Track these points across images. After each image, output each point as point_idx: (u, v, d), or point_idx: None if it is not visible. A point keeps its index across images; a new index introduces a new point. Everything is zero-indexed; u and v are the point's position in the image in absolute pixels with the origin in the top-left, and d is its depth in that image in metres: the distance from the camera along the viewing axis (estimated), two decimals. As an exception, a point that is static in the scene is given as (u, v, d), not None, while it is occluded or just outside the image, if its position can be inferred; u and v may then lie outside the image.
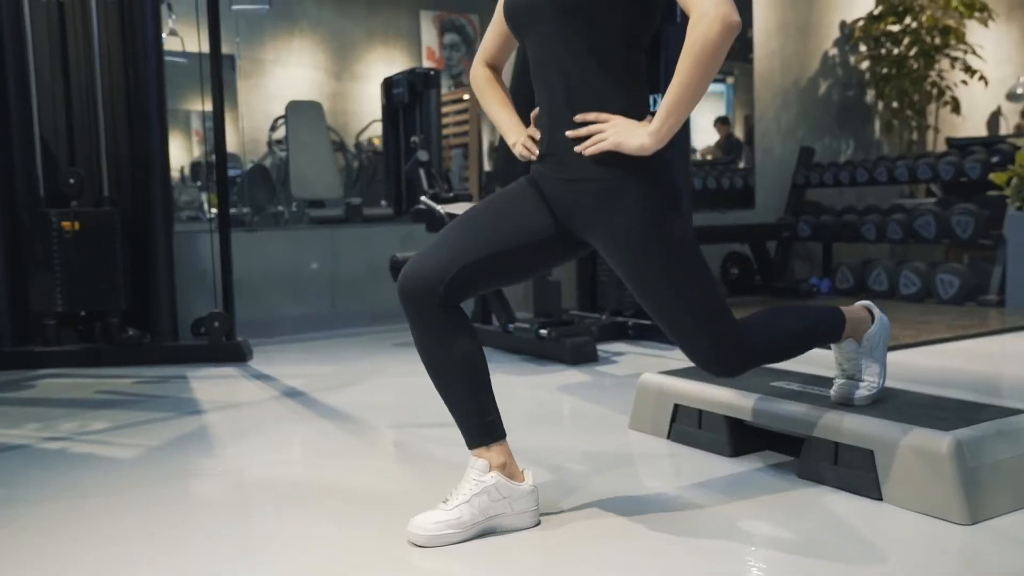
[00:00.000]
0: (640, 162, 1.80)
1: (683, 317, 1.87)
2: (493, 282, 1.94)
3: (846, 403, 2.22)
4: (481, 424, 1.91)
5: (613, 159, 1.80)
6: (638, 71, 1.87)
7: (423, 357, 1.90)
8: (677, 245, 1.85)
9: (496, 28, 2.07)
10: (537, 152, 1.96)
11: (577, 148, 1.83)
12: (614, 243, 1.86)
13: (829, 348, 2.25)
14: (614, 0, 1.78)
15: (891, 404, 2.22)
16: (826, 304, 2.38)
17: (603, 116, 1.81)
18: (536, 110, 1.97)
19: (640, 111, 1.85)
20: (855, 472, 2.10)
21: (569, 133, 1.84)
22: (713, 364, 1.93)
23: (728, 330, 1.91)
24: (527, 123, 2.05)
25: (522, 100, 2.08)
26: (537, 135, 1.96)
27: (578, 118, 1.83)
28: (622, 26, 1.80)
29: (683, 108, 1.72)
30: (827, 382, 2.39)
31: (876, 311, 2.22)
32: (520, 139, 2.00)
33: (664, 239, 1.83)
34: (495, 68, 2.13)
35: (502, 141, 4.54)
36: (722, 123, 7.57)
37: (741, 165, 7.53)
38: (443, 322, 1.85)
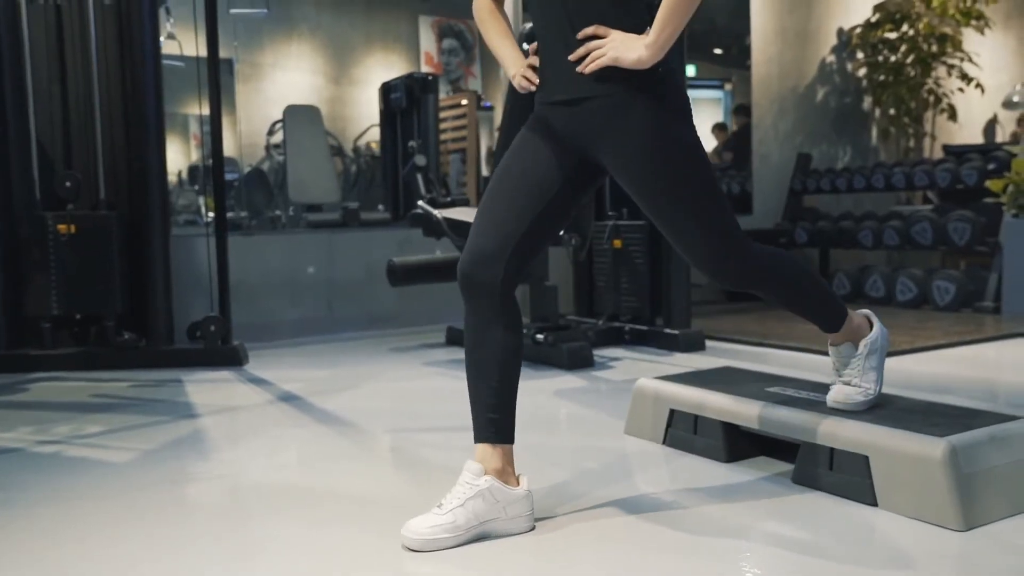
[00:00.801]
0: (642, 74, 1.82)
1: (693, 224, 1.90)
2: (544, 242, 1.98)
3: (842, 408, 2.22)
4: (494, 420, 1.93)
5: (615, 74, 1.83)
6: None
7: (467, 340, 1.95)
8: (687, 153, 1.88)
9: None
10: (537, 81, 1.97)
11: (578, 68, 1.85)
12: (625, 156, 1.88)
13: (827, 353, 2.25)
14: None
15: (886, 410, 2.22)
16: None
17: (601, 30, 1.83)
18: (534, 44, 1.98)
19: (639, 24, 1.86)
20: (850, 478, 2.09)
21: (571, 57, 1.86)
22: (716, 269, 1.95)
23: (735, 237, 1.93)
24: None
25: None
26: (536, 63, 1.97)
27: (580, 35, 1.85)
28: None
29: (679, 17, 1.75)
30: (823, 388, 2.39)
31: (875, 320, 2.23)
32: (519, 70, 2.00)
33: (674, 147, 1.86)
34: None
35: (499, 144, 4.54)
36: (720, 129, 7.59)
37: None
38: (498, 314, 1.91)
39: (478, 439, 1.94)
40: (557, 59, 1.90)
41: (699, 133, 1.94)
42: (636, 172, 1.88)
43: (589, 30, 1.84)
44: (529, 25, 4.13)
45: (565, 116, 1.92)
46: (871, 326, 2.21)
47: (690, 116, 1.90)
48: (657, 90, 1.85)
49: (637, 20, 1.85)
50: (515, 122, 3.84)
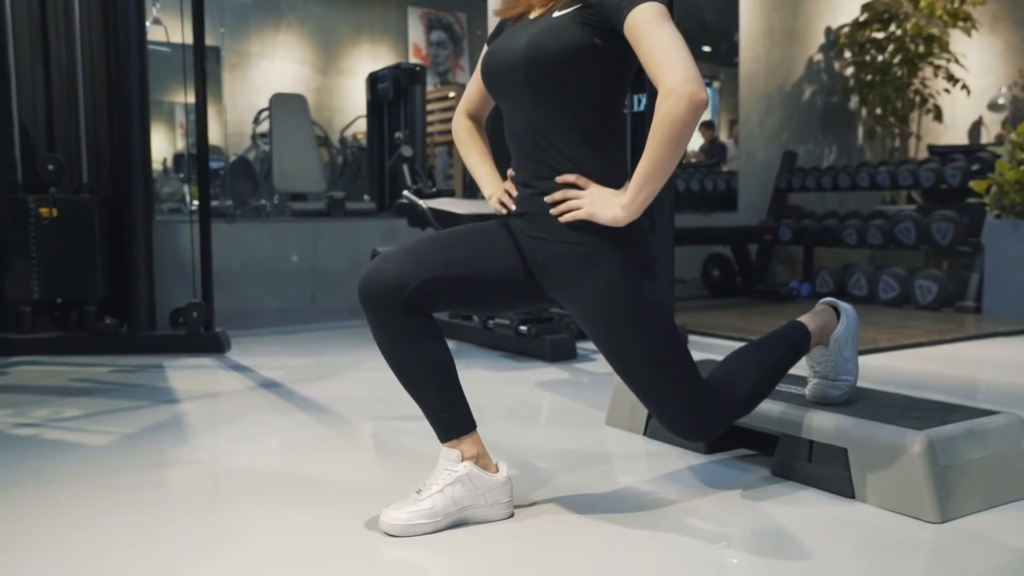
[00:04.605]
0: (615, 229, 1.81)
1: (656, 382, 1.90)
2: (455, 304, 1.91)
3: (821, 402, 2.23)
4: (451, 418, 1.90)
5: (588, 225, 1.82)
6: (615, 133, 1.89)
7: (386, 357, 1.88)
8: (649, 312, 1.86)
9: (477, 81, 2.08)
10: (513, 208, 1.96)
11: (552, 211, 1.84)
12: (586, 305, 1.88)
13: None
14: (589, 71, 1.80)
15: (866, 404, 2.23)
16: (802, 311, 2.37)
17: (581, 181, 1.83)
18: (511, 169, 1.98)
19: (618, 174, 1.86)
20: (828, 470, 2.10)
21: (547, 198, 1.85)
22: (688, 429, 1.95)
23: (700, 394, 1.93)
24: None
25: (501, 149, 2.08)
26: (514, 191, 1.96)
27: (559, 179, 1.84)
28: (597, 93, 1.83)
29: (655, 182, 1.74)
30: (802, 381, 2.40)
31: (841, 307, 2.21)
32: (497, 193, 2.00)
33: (636, 307, 1.85)
34: (477, 120, 2.15)
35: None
36: (706, 127, 7.61)
37: (725, 168, 7.57)
38: (405, 324, 1.82)
39: (444, 440, 1.92)
40: (530, 196, 1.89)
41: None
42: (599, 323, 1.88)
43: (570, 178, 1.83)
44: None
45: (533, 248, 1.90)
46: (837, 316, 2.20)
47: (655, 272, 1.89)
48: (628, 246, 1.84)
49: (615, 168, 1.86)
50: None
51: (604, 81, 1.82)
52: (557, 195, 1.84)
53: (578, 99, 1.82)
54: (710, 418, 1.96)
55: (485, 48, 2.04)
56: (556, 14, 1.83)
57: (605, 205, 1.79)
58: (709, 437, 1.98)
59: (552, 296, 1.96)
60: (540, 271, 1.92)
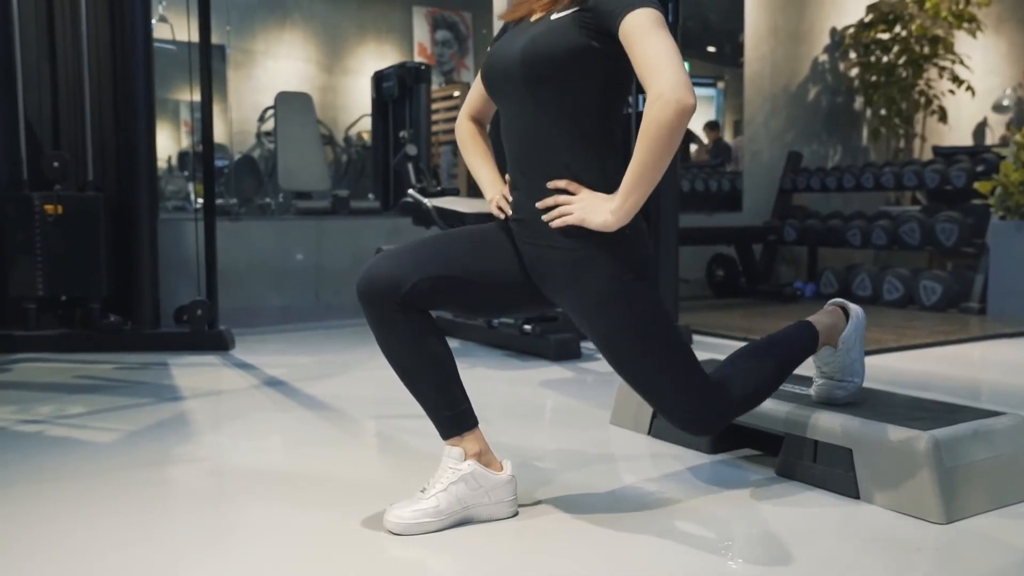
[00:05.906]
0: (607, 234, 1.80)
1: (656, 380, 1.91)
2: (454, 304, 1.91)
3: (826, 403, 2.22)
4: (452, 416, 1.90)
5: (579, 230, 1.82)
6: (612, 139, 1.88)
7: (386, 355, 1.88)
8: (644, 314, 1.87)
9: (479, 84, 2.07)
10: (510, 212, 1.96)
11: (544, 217, 1.84)
12: (581, 309, 1.88)
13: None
14: (587, 72, 1.80)
15: (871, 404, 2.23)
16: (806, 311, 2.35)
17: (572, 186, 1.83)
18: (508, 174, 1.98)
19: (614, 179, 1.84)
20: (833, 470, 2.10)
21: (538, 204, 1.85)
22: (692, 424, 1.96)
23: (703, 389, 1.94)
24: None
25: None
26: (510, 196, 1.97)
27: (550, 185, 1.84)
28: (595, 97, 1.82)
29: (643, 187, 1.73)
30: (807, 381, 2.39)
31: (850, 308, 2.20)
32: (496, 196, 2.00)
33: (631, 309, 1.85)
34: (480, 123, 2.15)
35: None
36: (711, 128, 7.60)
37: (729, 168, 7.56)
38: (403, 322, 1.82)
39: (446, 437, 1.92)
40: (524, 201, 1.90)
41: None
42: (595, 325, 1.88)
43: (561, 183, 1.83)
44: None
45: (529, 252, 1.91)
46: (846, 317, 2.20)
47: (650, 272, 1.89)
48: (619, 251, 1.83)
49: (610, 173, 1.84)
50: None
51: (602, 85, 1.82)
52: (548, 201, 1.84)
53: (575, 103, 1.82)
54: (714, 413, 1.96)
55: (489, 51, 2.04)
56: (554, 16, 1.83)
57: (595, 210, 1.78)
58: (713, 432, 1.98)
59: (550, 299, 1.96)
60: (537, 275, 1.92)
